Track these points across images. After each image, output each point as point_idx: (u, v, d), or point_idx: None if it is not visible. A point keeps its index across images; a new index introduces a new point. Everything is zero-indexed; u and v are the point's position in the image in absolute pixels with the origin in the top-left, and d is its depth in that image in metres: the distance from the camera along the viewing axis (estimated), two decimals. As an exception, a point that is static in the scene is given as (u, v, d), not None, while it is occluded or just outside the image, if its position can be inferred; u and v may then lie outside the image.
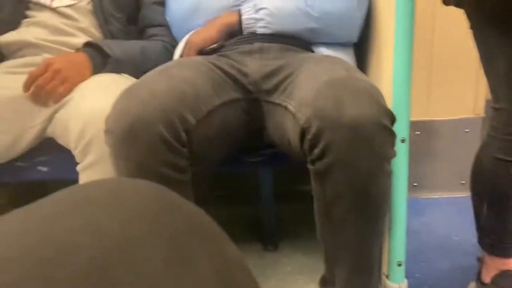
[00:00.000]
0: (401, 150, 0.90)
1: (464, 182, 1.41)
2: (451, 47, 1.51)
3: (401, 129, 0.89)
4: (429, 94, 1.56)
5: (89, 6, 1.18)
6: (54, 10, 1.17)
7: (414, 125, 1.55)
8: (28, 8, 1.18)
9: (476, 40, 0.90)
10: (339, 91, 0.77)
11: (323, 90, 0.78)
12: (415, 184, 1.56)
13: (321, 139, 0.75)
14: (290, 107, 0.86)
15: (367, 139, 0.74)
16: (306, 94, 0.81)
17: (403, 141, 0.91)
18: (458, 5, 0.87)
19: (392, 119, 0.79)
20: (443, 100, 1.57)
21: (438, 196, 1.57)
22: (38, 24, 1.16)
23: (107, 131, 0.80)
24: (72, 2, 1.18)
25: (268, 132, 0.99)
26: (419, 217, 1.45)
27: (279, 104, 0.92)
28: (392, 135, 0.79)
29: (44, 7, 1.17)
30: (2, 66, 1.13)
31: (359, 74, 0.87)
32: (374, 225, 0.83)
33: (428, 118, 1.56)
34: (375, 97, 0.78)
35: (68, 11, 1.17)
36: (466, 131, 1.55)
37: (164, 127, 0.77)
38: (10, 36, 1.15)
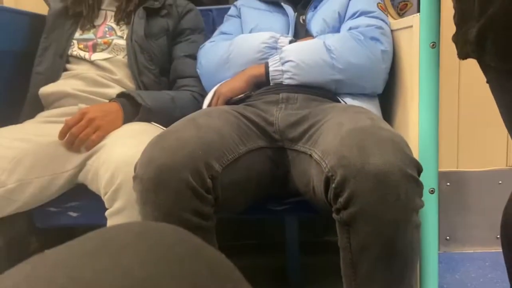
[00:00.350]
0: (430, 201, 0.88)
1: (499, 236, 1.35)
2: (478, 96, 1.51)
3: (429, 179, 0.87)
4: (458, 145, 1.54)
5: (125, 60, 1.26)
6: (92, 63, 1.25)
7: (445, 176, 1.52)
8: (68, 62, 1.26)
9: (497, 93, 0.85)
10: (363, 139, 0.77)
11: (347, 139, 0.78)
12: (448, 238, 1.51)
13: (345, 188, 0.74)
14: (314, 155, 0.86)
15: (393, 188, 0.73)
16: (330, 142, 0.82)
17: (432, 191, 0.90)
18: (479, 57, 0.85)
19: (418, 169, 0.78)
20: (474, 151, 1.54)
21: (472, 251, 1.51)
22: (76, 76, 1.23)
23: (136, 178, 0.82)
24: (109, 56, 1.26)
25: (293, 180, 0.98)
26: (452, 273, 1.38)
27: (304, 152, 0.93)
28: (419, 185, 0.77)
29: (83, 60, 1.25)
30: (40, 116, 1.20)
31: (383, 123, 0.87)
32: (402, 279, 0.79)
33: (458, 169, 1.53)
34: (400, 146, 0.77)
35: (105, 64, 1.24)
36: (500, 183, 1.50)
37: (190, 174, 0.78)
38: (50, 88, 1.22)
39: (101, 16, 1.31)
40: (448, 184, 1.51)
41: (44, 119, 1.15)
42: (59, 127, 1.06)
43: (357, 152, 0.75)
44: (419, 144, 0.93)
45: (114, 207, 0.94)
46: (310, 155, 0.89)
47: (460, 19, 0.80)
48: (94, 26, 1.29)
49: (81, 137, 1.04)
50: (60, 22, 1.28)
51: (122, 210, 0.93)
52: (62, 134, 1.05)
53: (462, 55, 0.82)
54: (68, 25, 1.28)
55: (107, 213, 0.95)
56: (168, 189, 0.78)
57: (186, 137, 0.83)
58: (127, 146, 0.96)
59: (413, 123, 0.95)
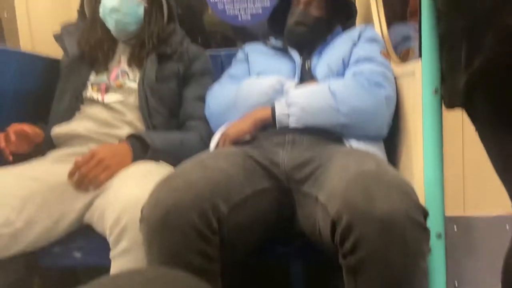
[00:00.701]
0: (437, 246, 0.87)
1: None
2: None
3: (436, 224, 0.87)
4: (464, 189, 1.53)
5: (136, 102, 1.29)
6: (104, 104, 1.28)
7: (451, 221, 1.50)
8: (82, 103, 1.30)
9: (486, 142, 0.83)
10: (369, 183, 0.77)
11: (352, 182, 0.79)
12: (456, 283, 1.47)
13: (351, 232, 0.74)
14: (320, 197, 0.87)
15: (399, 233, 0.72)
16: (336, 185, 0.82)
17: (439, 236, 0.88)
18: (468, 108, 0.81)
19: (425, 214, 0.78)
20: (480, 195, 1.52)
21: (481, 297, 1.46)
22: (89, 117, 1.26)
23: (142, 219, 0.82)
24: (121, 98, 1.29)
25: (299, 222, 0.98)
26: (462, 320, 1.34)
27: (309, 194, 0.93)
28: (425, 230, 0.77)
29: (96, 102, 1.29)
30: (51, 155, 1.22)
31: (389, 167, 0.88)
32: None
33: (465, 214, 1.51)
34: (406, 190, 0.78)
35: (117, 106, 1.28)
36: (507, 228, 1.48)
37: (197, 216, 0.79)
38: (62, 128, 1.25)
39: (115, 59, 1.37)
40: (456, 229, 1.49)
41: (55, 158, 1.17)
42: (69, 166, 1.08)
43: (363, 197, 0.75)
44: (425, 188, 0.93)
45: (119, 248, 0.93)
46: (316, 198, 0.89)
47: (448, 69, 0.81)
48: (107, 69, 1.34)
49: (89, 177, 1.05)
50: (77, 66, 1.33)
51: (127, 251, 0.92)
52: (71, 174, 1.07)
53: (450, 105, 0.83)
54: (84, 68, 1.33)
55: (111, 254, 0.95)
56: (174, 230, 0.78)
57: (193, 178, 0.84)
58: (134, 187, 0.97)
59: (418, 167, 0.96)
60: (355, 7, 1.43)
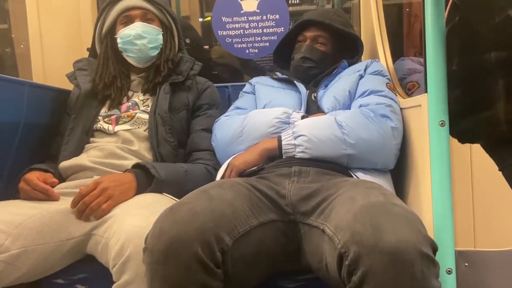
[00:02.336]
0: (448, 282, 0.85)
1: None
2: (491, 171, 1.50)
3: (446, 259, 0.85)
4: (474, 223, 1.50)
5: (145, 133, 1.31)
6: (114, 134, 1.29)
7: (462, 256, 1.47)
8: (92, 136, 1.32)
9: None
10: (376, 215, 0.76)
11: (360, 214, 0.78)
12: (469, 322, 1.42)
13: (359, 265, 0.72)
14: (327, 230, 0.85)
15: (408, 267, 0.70)
16: (343, 217, 0.81)
17: (449, 272, 0.86)
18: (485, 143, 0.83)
19: (434, 248, 0.76)
20: (491, 230, 1.49)
21: (496, 337, 1.40)
22: (96, 148, 1.27)
23: (146, 249, 0.81)
24: (131, 128, 1.31)
25: (305, 255, 0.96)
26: None
27: (316, 227, 0.92)
28: (435, 264, 0.75)
29: (105, 133, 1.30)
30: (57, 188, 1.20)
31: (396, 199, 0.87)
32: None
33: (477, 249, 1.48)
34: (414, 223, 0.76)
35: (126, 134, 1.29)
36: (520, 264, 1.44)
37: (200, 247, 0.77)
38: (68, 162, 1.26)
39: (127, 95, 1.39)
40: (467, 264, 1.45)
41: (59, 190, 1.17)
42: (72, 198, 1.07)
43: (371, 229, 0.74)
44: (434, 221, 0.91)
45: (122, 280, 0.92)
46: (323, 230, 0.87)
47: (467, 107, 0.81)
48: (120, 104, 1.36)
49: (92, 206, 1.05)
50: (89, 101, 1.36)
51: (130, 283, 0.90)
52: (74, 203, 1.06)
53: (467, 142, 0.83)
54: (96, 103, 1.36)
55: (114, 286, 0.93)
56: (177, 262, 0.77)
57: (198, 209, 0.83)
58: (138, 217, 0.96)
59: (427, 200, 0.94)
60: (361, 42, 1.45)
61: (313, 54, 1.39)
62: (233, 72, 2.23)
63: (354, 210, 0.79)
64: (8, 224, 0.96)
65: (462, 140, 0.91)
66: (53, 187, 1.15)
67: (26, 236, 0.97)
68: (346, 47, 1.45)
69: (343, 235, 0.77)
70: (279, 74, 1.47)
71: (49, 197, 1.11)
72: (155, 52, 1.40)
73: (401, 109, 1.19)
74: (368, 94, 1.22)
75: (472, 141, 0.86)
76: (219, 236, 0.81)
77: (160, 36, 1.41)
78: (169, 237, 0.78)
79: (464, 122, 0.86)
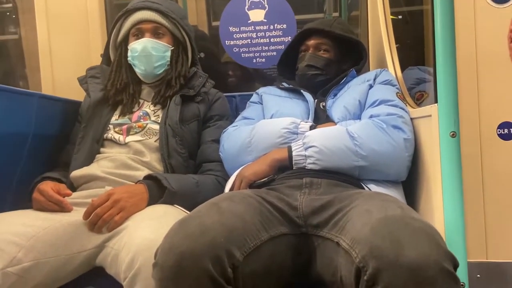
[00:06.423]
0: (461, 295, 0.83)
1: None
2: (503, 181, 1.48)
3: (458, 273, 0.83)
4: (486, 234, 1.48)
5: (156, 143, 1.31)
6: (125, 145, 1.30)
7: (474, 267, 1.45)
8: (103, 146, 1.32)
9: None
10: (396, 230, 0.74)
11: (378, 228, 0.76)
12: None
13: (378, 281, 0.70)
14: (342, 243, 0.83)
15: (429, 284, 0.68)
16: (360, 230, 0.79)
17: (462, 287, 0.85)
18: None
19: (455, 263, 0.74)
20: (504, 240, 1.47)
21: None
22: (107, 158, 1.28)
23: (155, 265, 0.80)
24: (142, 138, 1.31)
25: (317, 268, 0.95)
26: None
27: (330, 239, 0.90)
28: (456, 281, 0.72)
29: (116, 143, 1.31)
30: (68, 197, 1.22)
31: (413, 213, 0.84)
32: None
33: (489, 260, 1.46)
34: (435, 238, 0.74)
35: (137, 145, 1.29)
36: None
37: (211, 263, 0.76)
38: (80, 171, 1.26)
39: (138, 103, 1.40)
40: (479, 276, 1.43)
41: (71, 200, 1.17)
42: (84, 209, 1.08)
43: (390, 243, 0.72)
44: (446, 234, 0.90)
45: (132, 293, 0.91)
46: (337, 243, 0.86)
47: None
48: (131, 113, 1.37)
49: (104, 217, 1.05)
50: (99, 109, 1.36)
51: None
52: (87, 214, 1.06)
53: None
54: (106, 111, 1.37)
55: (124, 299, 0.93)
56: (187, 278, 0.76)
57: (208, 223, 0.82)
58: (148, 229, 0.96)
59: (438, 212, 0.93)
60: (363, 46, 1.45)
61: (317, 61, 1.39)
62: (245, 81, 2.23)
63: (372, 223, 0.77)
64: (21, 236, 0.96)
65: None
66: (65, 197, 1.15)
67: (39, 249, 0.97)
68: (350, 54, 1.45)
69: (361, 249, 0.75)
70: (285, 84, 1.47)
71: (62, 209, 1.11)
72: (160, 70, 1.40)
73: (411, 119, 1.18)
74: (378, 104, 1.21)
75: None
76: (230, 252, 0.80)
77: (168, 53, 1.41)
78: (179, 252, 0.77)
79: None
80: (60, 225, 1.04)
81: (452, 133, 0.90)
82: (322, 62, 1.39)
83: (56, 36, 1.83)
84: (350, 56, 1.45)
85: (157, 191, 1.15)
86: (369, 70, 1.63)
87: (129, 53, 1.39)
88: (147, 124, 1.33)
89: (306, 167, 1.11)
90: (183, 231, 0.81)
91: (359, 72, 1.44)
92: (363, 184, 1.09)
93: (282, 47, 1.88)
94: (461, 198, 0.90)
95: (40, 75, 1.84)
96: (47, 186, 1.13)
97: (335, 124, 1.24)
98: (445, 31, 0.89)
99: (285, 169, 1.14)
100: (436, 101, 0.92)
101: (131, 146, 1.29)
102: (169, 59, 1.41)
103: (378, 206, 0.84)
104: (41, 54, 1.83)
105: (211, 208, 0.89)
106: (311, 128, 1.20)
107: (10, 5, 3.17)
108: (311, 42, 1.43)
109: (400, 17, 2.61)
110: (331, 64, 1.40)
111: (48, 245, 0.99)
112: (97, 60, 1.58)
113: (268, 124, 1.25)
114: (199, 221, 0.83)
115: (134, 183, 1.19)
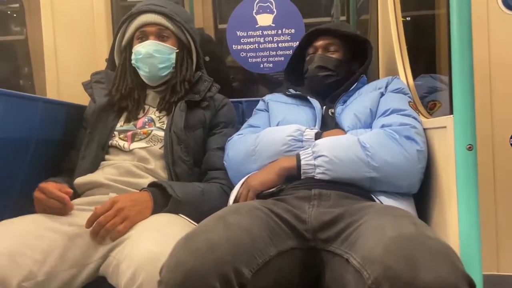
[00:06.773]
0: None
1: None
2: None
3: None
4: (498, 246, 1.45)
5: (161, 150, 1.28)
6: (129, 152, 1.27)
7: (486, 280, 1.41)
8: (107, 153, 1.30)
9: None
10: (411, 250, 0.71)
11: (392, 247, 0.72)
12: None
13: None
14: (353, 260, 0.79)
15: None
16: (372, 249, 0.75)
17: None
18: None
19: (471, 285, 0.71)
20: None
21: None
22: (112, 165, 1.25)
23: (161, 282, 0.77)
24: (146, 145, 1.29)
25: (325, 283, 0.91)
26: None
27: (339, 255, 0.86)
28: None
29: (121, 150, 1.29)
30: (72, 203, 1.20)
31: (428, 230, 0.81)
32: None
33: (500, 273, 1.42)
34: (452, 259, 0.71)
35: (142, 152, 1.27)
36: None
37: (218, 281, 0.74)
38: (84, 178, 1.24)
39: (143, 109, 1.38)
40: (491, 289, 1.40)
41: (75, 207, 1.15)
42: (88, 216, 1.05)
43: (405, 264, 0.69)
44: (460, 249, 0.86)
45: (134, 309, 0.89)
46: (347, 260, 0.82)
47: None
48: (136, 118, 1.35)
49: (107, 227, 1.02)
50: (104, 115, 1.34)
51: None
52: (89, 222, 1.04)
53: None
54: (112, 117, 1.34)
55: (125, 313, 0.90)
56: None
57: (215, 238, 0.79)
58: (152, 242, 0.93)
59: (453, 226, 0.89)
60: (370, 44, 1.42)
61: (327, 62, 1.36)
62: (251, 86, 2.21)
63: (385, 242, 0.74)
64: (33, 250, 0.95)
65: None
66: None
67: (50, 263, 0.96)
68: (357, 55, 1.42)
69: (374, 269, 0.71)
70: (292, 90, 1.44)
71: (64, 206, 1.09)
72: (165, 72, 1.38)
73: (424, 129, 1.15)
74: (390, 113, 1.18)
75: None
76: (238, 270, 0.77)
77: (173, 56, 1.39)
78: (185, 270, 0.74)
79: None
80: (67, 238, 1.02)
81: (469, 146, 0.86)
82: (333, 63, 1.36)
83: (61, 38, 1.82)
84: (358, 57, 1.43)
85: (162, 199, 1.13)
86: (378, 78, 1.60)
87: (133, 56, 1.38)
88: (152, 130, 1.31)
89: (315, 177, 1.07)
90: (189, 247, 0.78)
91: (365, 73, 1.40)
92: (373, 196, 1.06)
93: (290, 52, 1.85)
94: (477, 214, 0.86)
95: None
96: (48, 184, 1.12)
97: (342, 130, 1.21)
98: (462, 40, 0.85)
99: (292, 178, 1.11)
100: (451, 112, 0.89)
101: (136, 153, 1.27)
102: (174, 62, 1.39)
103: (391, 222, 0.81)
104: (47, 56, 1.82)
105: (218, 222, 0.86)
106: (317, 135, 1.17)
107: (17, 5, 3.17)
108: (320, 43, 1.40)
109: (408, 18, 2.58)
110: (341, 65, 1.38)
111: (59, 259, 0.98)
112: (102, 61, 1.57)
113: (273, 132, 1.22)
114: (206, 236, 0.80)
115: (138, 191, 1.16)
